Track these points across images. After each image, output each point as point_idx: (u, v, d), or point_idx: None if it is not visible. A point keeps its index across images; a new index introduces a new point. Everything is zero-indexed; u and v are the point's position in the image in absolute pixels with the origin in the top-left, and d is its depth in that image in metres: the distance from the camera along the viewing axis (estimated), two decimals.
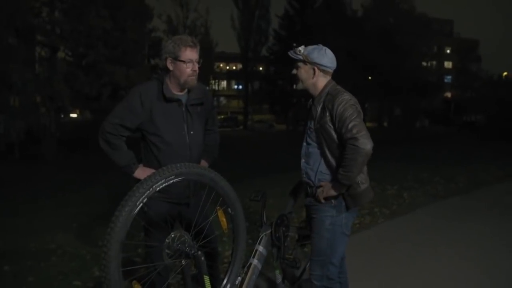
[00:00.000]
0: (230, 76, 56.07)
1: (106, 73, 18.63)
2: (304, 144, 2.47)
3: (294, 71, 2.47)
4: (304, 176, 2.46)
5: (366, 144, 2.18)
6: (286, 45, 39.45)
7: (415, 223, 5.32)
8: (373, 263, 3.84)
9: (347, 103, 2.27)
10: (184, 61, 2.36)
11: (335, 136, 2.30)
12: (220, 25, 61.36)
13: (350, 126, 2.20)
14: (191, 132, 2.45)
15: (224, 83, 58.38)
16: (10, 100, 17.48)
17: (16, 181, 11.91)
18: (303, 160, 2.47)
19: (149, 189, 1.71)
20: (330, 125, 2.29)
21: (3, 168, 14.58)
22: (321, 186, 2.35)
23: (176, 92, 2.43)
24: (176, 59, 2.37)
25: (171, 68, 2.39)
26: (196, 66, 2.41)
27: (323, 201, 2.34)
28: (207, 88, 2.70)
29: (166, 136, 2.38)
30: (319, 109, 2.35)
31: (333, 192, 2.30)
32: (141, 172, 2.38)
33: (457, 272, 3.64)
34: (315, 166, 2.39)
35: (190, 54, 2.37)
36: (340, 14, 33.03)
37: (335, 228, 2.35)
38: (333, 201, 2.34)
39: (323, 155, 2.36)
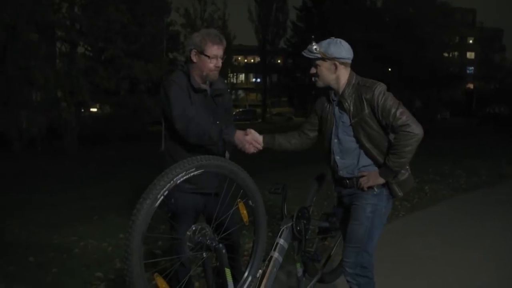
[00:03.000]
0: (248, 69, 55.97)
1: (124, 67, 18.81)
2: (335, 140, 2.41)
3: (314, 70, 2.43)
4: (341, 172, 2.42)
5: (418, 129, 2.21)
6: (304, 37, 39.24)
7: (436, 217, 5.24)
8: (394, 257, 3.79)
9: (385, 92, 2.28)
10: (208, 56, 2.39)
11: (377, 126, 2.27)
12: (238, 18, 61.46)
13: (398, 113, 2.21)
14: (217, 122, 2.47)
15: (242, 76, 58.32)
16: (32, 96, 17.83)
17: (38, 175, 12.15)
18: (337, 157, 2.42)
19: (170, 182, 1.71)
20: (371, 116, 2.27)
21: (25, 162, 14.91)
22: (363, 175, 2.33)
23: (200, 83, 2.46)
24: (201, 53, 2.39)
25: (195, 60, 2.43)
26: (220, 62, 2.44)
27: (366, 189, 2.33)
28: (225, 81, 2.74)
29: None
30: (351, 102, 2.31)
31: (380, 181, 2.30)
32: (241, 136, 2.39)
33: (479, 267, 3.56)
34: (355, 160, 2.36)
35: (216, 50, 2.40)
36: (358, 5, 32.54)
37: (375, 216, 2.34)
38: (375, 189, 2.33)
39: (362, 147, 2.33)
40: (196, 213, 2.51)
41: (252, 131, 2.45)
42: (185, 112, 2.34)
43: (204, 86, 2.47)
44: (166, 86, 2.42)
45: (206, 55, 2.39)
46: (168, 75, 2.55)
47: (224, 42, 2.46)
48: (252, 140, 2.40)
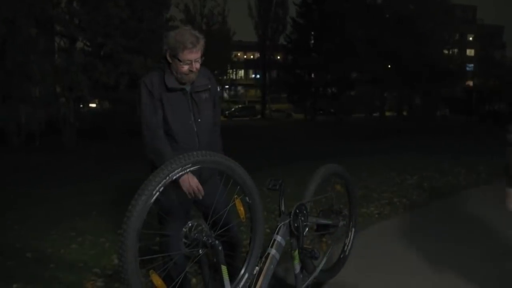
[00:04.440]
0: (247, 65, 55.88)
1: (123, 63, 18.76)
2: None
3: None
4: None
5: None
6: (304, 34, 39.17)
7: (435, 214, 5.22)
8: (393, 254, 3.78)
9: None
10: (181, 61, 2.32)
11: None
12: (238, 13, 61.21)
13: None
14: (199, 120, 2.42)
15: (241, 72, 58.25)
16: (31, 91, 17.79)
17: (36, 170, 12.14)
18: None
19: (165, 178, 1.69)
20: None
21: (24, 157, 14.89)
22: None
23: (177, 82, 2.39)
24: (174, 56, 2.33)
25: (170, 61, 2.37)
26: (195, 66, 2.35)
27: None
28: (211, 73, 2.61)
29: (174, 126, 2.37)
30: None
31: None
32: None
33: (480, 265, 3.55)
34: None
35: (189, 56, 2.31)
36: (358, 1, 32.46)
37: None
38: None
39: None
40: (187, 205, 2.48)
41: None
42: (150, 125, 2.33)
43: (179, 85, 2.39)
44: (139, 88, 2.42)
45: (178, 59, 2.32)
46: (144, 75, 2.50)
47: (200, 44, 2.35)
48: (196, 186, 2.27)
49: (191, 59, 2.32)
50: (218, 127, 2.65)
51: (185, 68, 2.32)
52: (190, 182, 2.21)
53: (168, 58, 2.37)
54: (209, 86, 2.51)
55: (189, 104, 2.41)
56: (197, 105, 2.43)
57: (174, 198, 2.33)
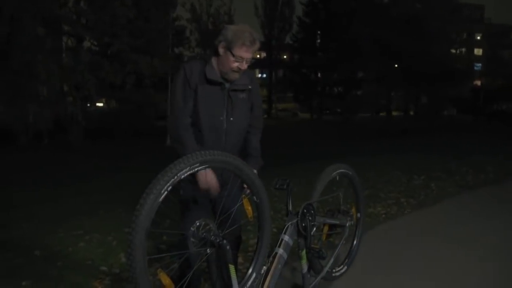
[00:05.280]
0: (253, 64, 55.79)
1: (130, 62, 18.84)
2: None
3: None
4: None
5: None
6: (310, 33, 39.11)
7: (443, 214, 5.19)
8: (400, 254, 3.76)
9: None
10: (234, 56, 2.27)
11: None
12: (244, 12, 61.13)
13: None
14: (231, 119, 2.37)
15: None
16: (38, 90, 17.92)
17: (44, 168, 12.22)
18: None
19: (173, 177, 1.69)
20: None
21: (31, 156, 15.00)
22: None
23: (218, 75, 2.35)
24: (228, 49, 2.28)
25: (221, 53, 2.31)
26: (245, 65, 2.32)
27: None
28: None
29: (203, 119, 2.32)
30: None
31: None
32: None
33: (486, 265, 3.52)
34: None
35: (244, 53, 2.28)
36: (365, 0, 32.34)
37: None
38: None
39: None
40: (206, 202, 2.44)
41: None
42: (178, 112, 2.31)
43: (219, 79, 2.34)
44: (177, 73, 2.39)
45: (232, 53, 2.27)
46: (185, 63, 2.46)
47: (256, 46, 2.31)
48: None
49: (244, 57, 2.28)
50: (259, 131, 2.60)
51: (235, 64, 2.28)
52: (207, 178, 2.19)
53: (220, 50, 2.30)
54: (250, 87, 2.45)
55: (224, 100, 2.36)
56: (232, 103, 2.38)
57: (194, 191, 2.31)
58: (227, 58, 2.28)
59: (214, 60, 2.35)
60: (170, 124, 2.36)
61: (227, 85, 2.36)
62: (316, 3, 38.62)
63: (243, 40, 2.25)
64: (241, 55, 2.27)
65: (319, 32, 38.45)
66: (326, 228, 2.83)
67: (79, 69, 17.88)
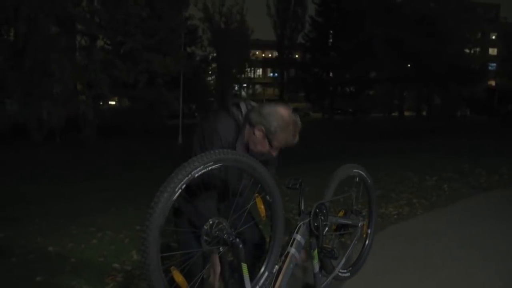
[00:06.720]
0: (265, 63, 55.80)
1: (143, 61, 18.98)
2: None
3: None
4: None
5: None
6: (323, 32, 38.96)
7: (455, 216, 5.13)
8: (412, 255, 3.73)
9: None
10: (272, 146, 2.13)
11: None
12: (256, 12, 61.21)
13: None
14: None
15: (259, 71, 58.21)
16: (52, 88, 18.13)
17: (57, 166, 12.36)
18: None
19: (187, 176, 1.70)
20: None
21: (45, 153, 15.18)
22: None
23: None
24: (267, 137, 2.10)
25: (256, 134, 2.11)
26: (275, 153, 2.18)
27: None
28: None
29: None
30: None
31: None
32: None
33: (497, 268, 3.48)
34: None
35: (283, 145, 2.15)
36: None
37: None
38: None
39: None
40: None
41: None
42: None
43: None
44: (206, 133, 2.13)
45: (270, 143, 2.11)
46: (210, 117, 2.20)
47: (295, 139, 2.14)
48: None
49: (280, 148, 2.17)
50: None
51: (267, 150, 2.14)
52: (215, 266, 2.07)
53: (257, 133, 2.10)
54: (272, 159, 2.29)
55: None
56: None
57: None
58: (262, 142, 2.13)
59: (246, 130, 2.17)
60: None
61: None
62: (329, 2, 38.41)
63: (286, 136, 2.11)
64: (278, 146, 2.15)
65: (331, 31, 38.27)
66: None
67: (92, 68, 18.05)
